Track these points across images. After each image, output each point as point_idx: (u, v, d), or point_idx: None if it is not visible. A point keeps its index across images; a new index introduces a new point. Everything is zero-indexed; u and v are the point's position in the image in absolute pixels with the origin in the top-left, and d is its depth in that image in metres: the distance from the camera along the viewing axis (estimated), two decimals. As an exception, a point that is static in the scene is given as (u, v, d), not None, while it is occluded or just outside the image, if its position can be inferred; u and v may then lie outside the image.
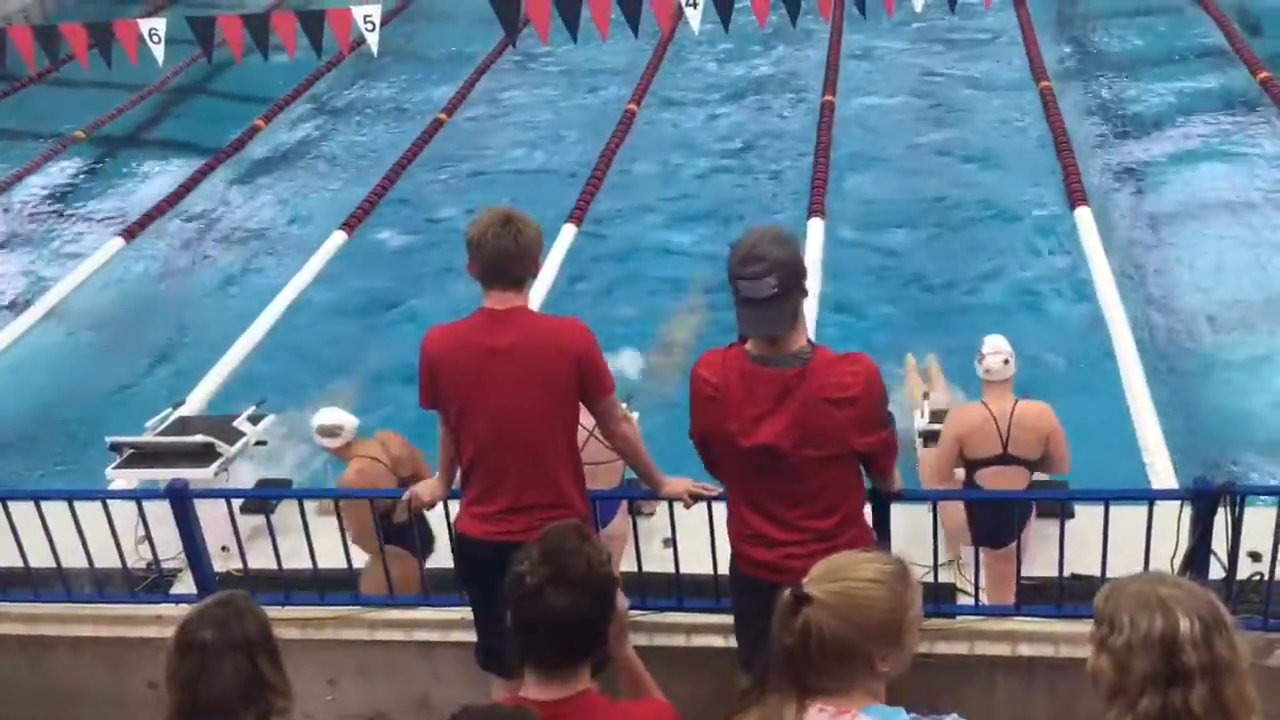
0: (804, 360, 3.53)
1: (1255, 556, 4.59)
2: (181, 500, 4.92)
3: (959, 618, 4.76)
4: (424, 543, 5.28)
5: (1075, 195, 9.97)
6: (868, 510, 4.03)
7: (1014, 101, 12.42)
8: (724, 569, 4.14)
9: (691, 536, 4.63)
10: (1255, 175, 10.53)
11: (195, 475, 6.03)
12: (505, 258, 3.92)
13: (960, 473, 5.54)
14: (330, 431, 5.71)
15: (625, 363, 8.56)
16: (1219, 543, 4.34)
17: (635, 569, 4.81)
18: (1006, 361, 5.46)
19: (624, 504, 5.33)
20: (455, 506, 4.30)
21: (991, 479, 5.43)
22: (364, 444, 5.74)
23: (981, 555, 5.11)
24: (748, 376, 3.56)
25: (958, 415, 5.55)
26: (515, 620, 2.61)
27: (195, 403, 8.02)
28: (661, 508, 4.85)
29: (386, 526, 5.19)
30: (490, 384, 3.95)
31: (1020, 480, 5.42)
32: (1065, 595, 4.61)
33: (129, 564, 5.17)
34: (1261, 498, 4.69)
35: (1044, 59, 12.91)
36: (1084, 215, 9.67)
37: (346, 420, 5.75)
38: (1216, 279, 9.05)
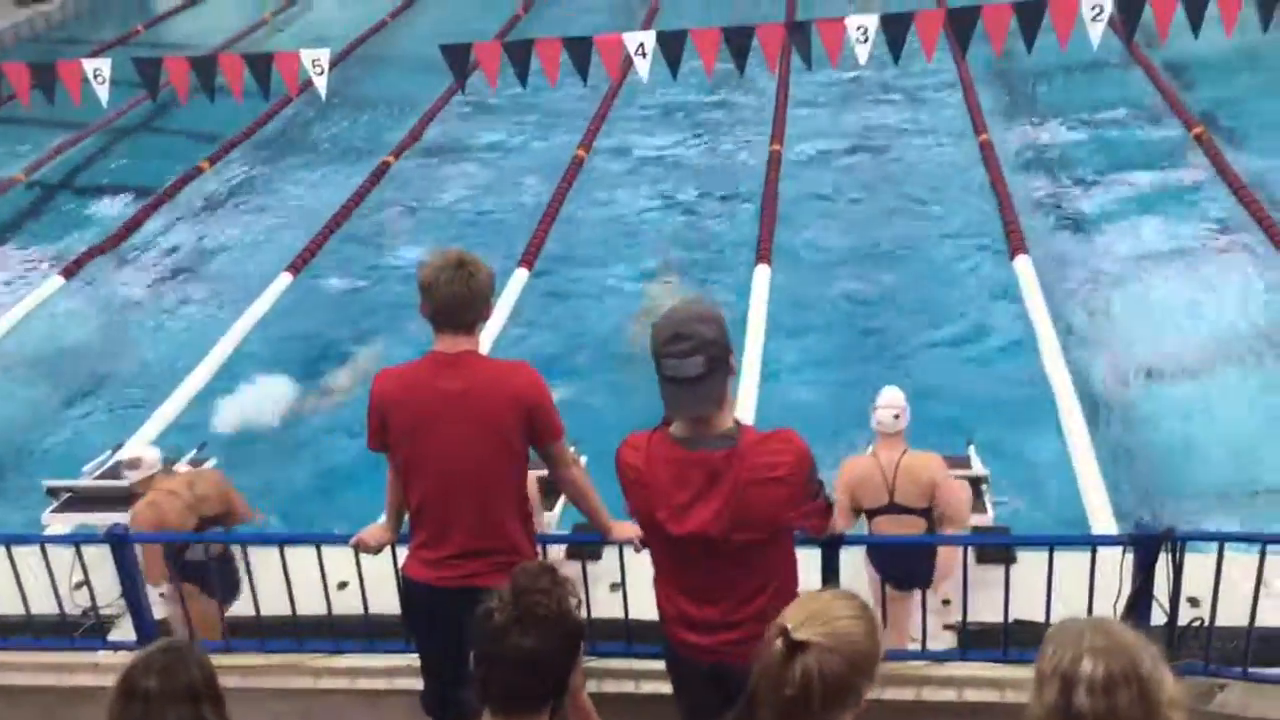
0: (732, 441, 3.40)
1: (1194, 602, 4.67)
2: (121, 545, 4.84)
3: (906, 662, 4.79)
4: (227, 588, 5.23)
5: (1015, 244, 10.15)
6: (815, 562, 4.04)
7: (955, 152, 12.65)
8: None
9: (640, 581, 4.62)
10: (1189, 225, 10.79)
11: (134, 520, 5.91)
12: (457, 302, 3.91)
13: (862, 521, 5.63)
14: (130, 464, 5.71)
15: (573, 405, 8.55)
16: (1161, 588, 4.40)
17: (584, 614, 4.77)
18: (897, 416, 5.55)
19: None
20: (402, 552, 4.26)
21: (885, 527, 5.51)
22: (166, 479, 5.70)
23: (887, 592, 5.18)
24: (674, 461, 3.42)
25: (848, 466, 5.64)
26: (479, 659, 2.57)
27: (135, 446, 7.87)
28: (610, 551, 4.84)
29: (182, 563, 5.18)
30: (440, 429, 3.93)
31: (916, 529, 5.49)
32: (1010, 640, 4.66)
33: (66, 610, 5.07)
34: (1202, 544, 4.75)
35: (983, 111, 13.17)
36: (1023, 264, 9.84)
37: (147, 454, 5.76)
38: (1153, 326, 9.23)
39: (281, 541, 5.09)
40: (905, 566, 5.42)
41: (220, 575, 5.17)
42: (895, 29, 10.02)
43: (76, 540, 5.48)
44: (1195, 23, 9.63)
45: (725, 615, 3.52)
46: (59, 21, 21.97)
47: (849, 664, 2.34)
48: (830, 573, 4.29)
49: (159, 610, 5.19)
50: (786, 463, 3.41)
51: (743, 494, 3.36)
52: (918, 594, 5.20)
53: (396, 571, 4.40)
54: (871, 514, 5.54)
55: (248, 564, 4.84)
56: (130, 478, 5.71)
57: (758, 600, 3.48)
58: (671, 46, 10.24)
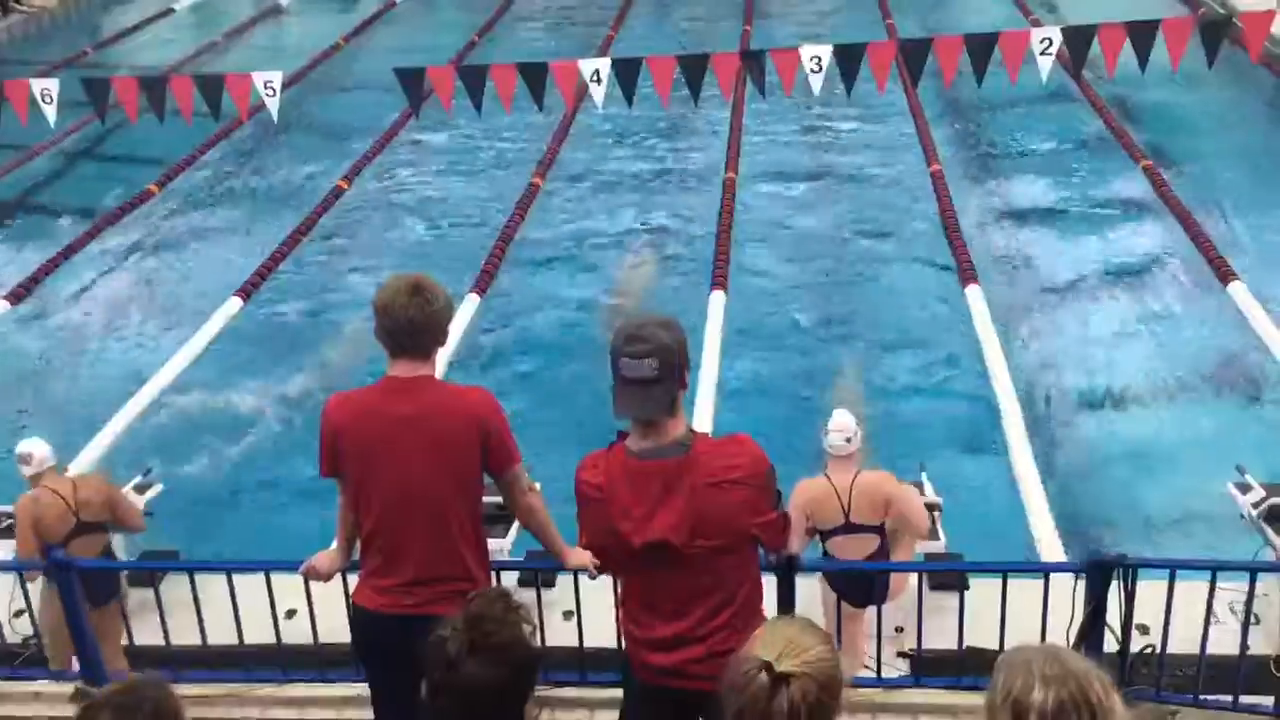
0: (686, 448, 3.44)
1: (1144, 629, 4.70)
2: (64, 572, 4.74)
3: (861, 689, 4.78)
4: (102, 592, 5.36)
5: (966, 274, 10.25)
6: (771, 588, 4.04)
7: (907, 182, 12.77)
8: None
9: (595, 609, 4.59)
10: (1137, 255, 10.97)
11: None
12: (413, 328, 3.86)
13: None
14: (21, 458, 5.87)
15: (526, 428, 8.50)
16: (1113, 615, 4.43)
17: (537, 642, 4.73)
18: (848, 440, 5.67)
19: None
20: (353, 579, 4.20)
21: (841, 546, 5.60)
22: (55, 478, 5.86)
23: (842, 609, 5.26)
24: (631, 472, 3.45)
25: (803, 488, 5.71)
26: (432, 689, 2.52)
27: (78, 471, 7.73)
28: (564, 579, 4.81)
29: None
30: (393, 454, 3.88)
31: (871, 545, 5.59)
32: (963, 667, 4.67)
33: (6, 639, 4.95)
34: (1152, 571, 4.78)
35: (935, 142, 13.31)
36: (974, 293, 9.93)
37: (37, 449, 5.90)
38: (1102, 355, 9.36)
39: (229, 568, 5.01)
40: (861, 584, 5.50)
41: (94, 580, 5.22)
42: (848, 59, 10.14)
43: (18, 567, 5.37)
44: (1142, 58, 9.82)
45: (691, 629, 3.52)
46: (6, 42, 21.69)
47: (827, 692, 2.36)
48: (787, 595, 4.28)
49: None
50: (742, 465, 3.45)
51: (700, 498, 3.40)
52: (871, 612, 5.28)
53: (347, 599, 4.33)
54: (827, 534, 5.59)
55: (195, 591, 4.74)
56: (23, 471, 5.84)
57: (722, 614, 3.51)
58: (627, 73, 10.29)
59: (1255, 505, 6.07)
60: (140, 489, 6.62)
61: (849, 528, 5.58)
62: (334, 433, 3.96)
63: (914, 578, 5.30)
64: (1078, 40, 10.08)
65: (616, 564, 3.69)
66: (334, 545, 4.33)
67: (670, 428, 3.45)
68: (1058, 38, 10.02)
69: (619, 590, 3.89)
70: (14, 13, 22.22)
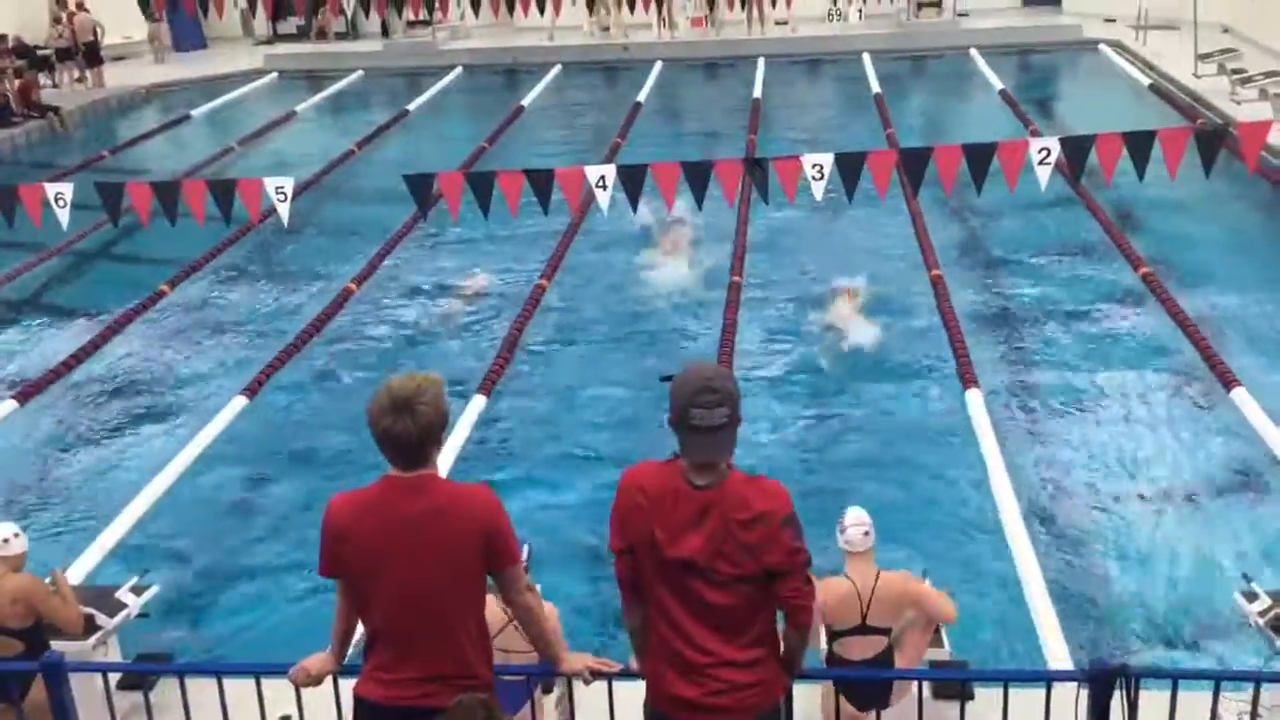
0: (722, 479, 3.81)
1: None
2: (56, 673, 4.69)
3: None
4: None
5: (966, 377, 10.27)
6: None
7: (907, 286, 12.86)
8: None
9: (590, 712, 4.52)
10: (1137, 362, 10.97)
11: (72, 647, 5.78)
12: (402, 445, 3.89)
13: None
14: None
15: (530, 530, 8.49)
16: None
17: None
18: (866, 533, 5.65)
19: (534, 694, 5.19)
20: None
21: (849, 647, 5.57)
22: None
23: (842, 707, 5.19)
24: (677, 493, 3.82)
25: (822, 587, 5.63)
26: None
27: (77, 572, 7.71)
28: (560, 682, 4.74)
29: None
30: (397, 555, 3.90)
31: (879, 646, 5.57)
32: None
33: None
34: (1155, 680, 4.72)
35: (934, 247, 13.44)
36: (974, 397, 9.94)
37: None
38: (1104, 462, 9.31)
39: (218, 672, 4.95)
40: (868, 688, 5.45)
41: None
42: (849, 167, 10.29)
43: (12, 668, 5.33)
44: (1140, 167, 9.95)
45: (708, 657, 3.86)
46: (24, 146, 22.13)
47: None
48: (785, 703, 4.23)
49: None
50: (763, 503, 3.80)
51: (725, 527, 3.77)
52: (873, 715, 5.18)
53: (338, 703, 4.27)
54: (839, 634, 5.53)
55: (184, 695, 4.68)
56: None
57: (743, 651, 3.87)
58: (632, 180, 10.45)
59: (1262, 614, 6.00)
60: (136, 590, 6.57)
61: (863, 629, 5.53)
62: (336, 535, 3.97)
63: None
64: (1076, 150, 10.22)
65: (645, 571, 3.91)
66: (328, 648, 4.30)
67: (721, 463, 3.84)
68: (1056, 148, 10.17)
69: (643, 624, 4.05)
70: (31, 119, 22.70)
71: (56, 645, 5.58)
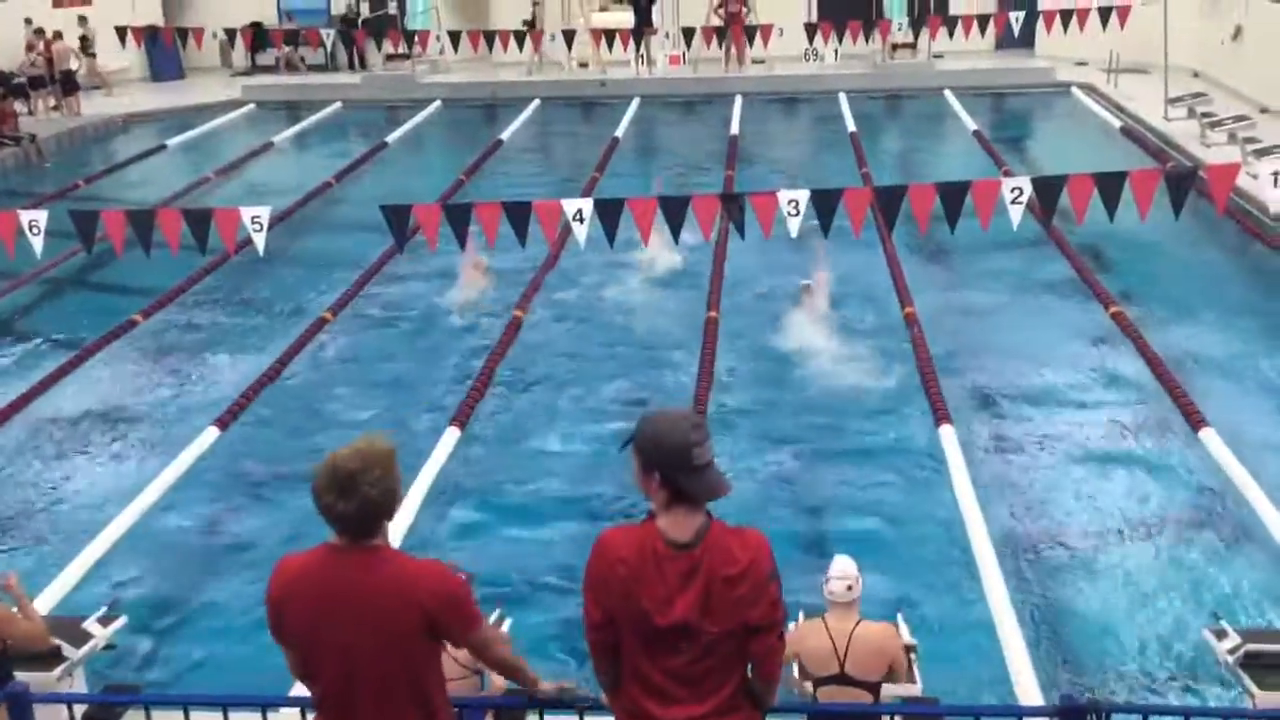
0: (703, 536, 3.74)
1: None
2: (20, 705, 4.64)
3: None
4: None
5: (939, 414, 10.33)
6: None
7: (882, 323, 12.94)
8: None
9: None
10: (1107, 400, 11.05)
11: (37, 678, 5.70)
12: (348, 522, 3.79)
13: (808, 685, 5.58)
14: None
15: (507, 556, 8.54)
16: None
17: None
18: (850, 587, 5.58)
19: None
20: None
21: (831, 696, 5.50)
22: None
23: None
24: (660, 557, 3.71)
25: (798, 633, 5.61)
26: None
27: (44, 602, 7.62)
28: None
29: None
30: (335, 631, 3.81)
31: (862, 699, 5.44)
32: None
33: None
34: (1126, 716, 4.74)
35: (908, 285, 13.53)
36: (947, 433, 9.99)
37: None
38: (1074, 499, 9.36)
39: (185, 703, 4.91)
40: None
41: None
42: (825, 204, 10.39)
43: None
44: (1110, 207, 10.09)
45: (693, 714, 3.77)
46: (-1, 174, 22.07)
47: None
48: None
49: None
50: (747, 557, 3.74)
51: (713, 585, 3.70)
52: None
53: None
54: (819, 682, 5.48)
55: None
56: None
57: (715, 700, 3.78)
58: (609, 213, 10.51)
59: (1231, 652, 6.04)
60: (104, 621, 6.50)
61: (842, 678, 5.45)
62: (279, 602, 3.91)
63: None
64: (1048, 190, 10.36)
65: (627, 640, 3.82)
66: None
67: (702, 510, 3.78)
68: (1028, 186, 10.30)
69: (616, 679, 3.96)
70: (6, 147, 22.62)
71: (21, 675, 5.50)
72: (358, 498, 3.71)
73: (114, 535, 8.92)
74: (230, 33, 28.67)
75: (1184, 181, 10.32)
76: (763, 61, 28.27)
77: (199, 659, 7.79)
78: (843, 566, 5.66)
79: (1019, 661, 6.96)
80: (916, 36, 27.77)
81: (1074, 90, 25.57)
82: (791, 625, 5.78)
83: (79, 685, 6.15)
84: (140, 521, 9.21)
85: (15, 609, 5.64)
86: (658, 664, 3.78)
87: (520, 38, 27.03)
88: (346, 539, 3.82)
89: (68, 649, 6.08)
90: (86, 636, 6.28)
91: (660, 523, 3.75)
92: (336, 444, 3.93)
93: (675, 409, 3.93)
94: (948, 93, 25.63)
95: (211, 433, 10.60)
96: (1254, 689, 5.75)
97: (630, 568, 3.72)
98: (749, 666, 3.92)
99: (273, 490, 9.97)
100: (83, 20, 27.99)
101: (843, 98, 25.22)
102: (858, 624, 5.51)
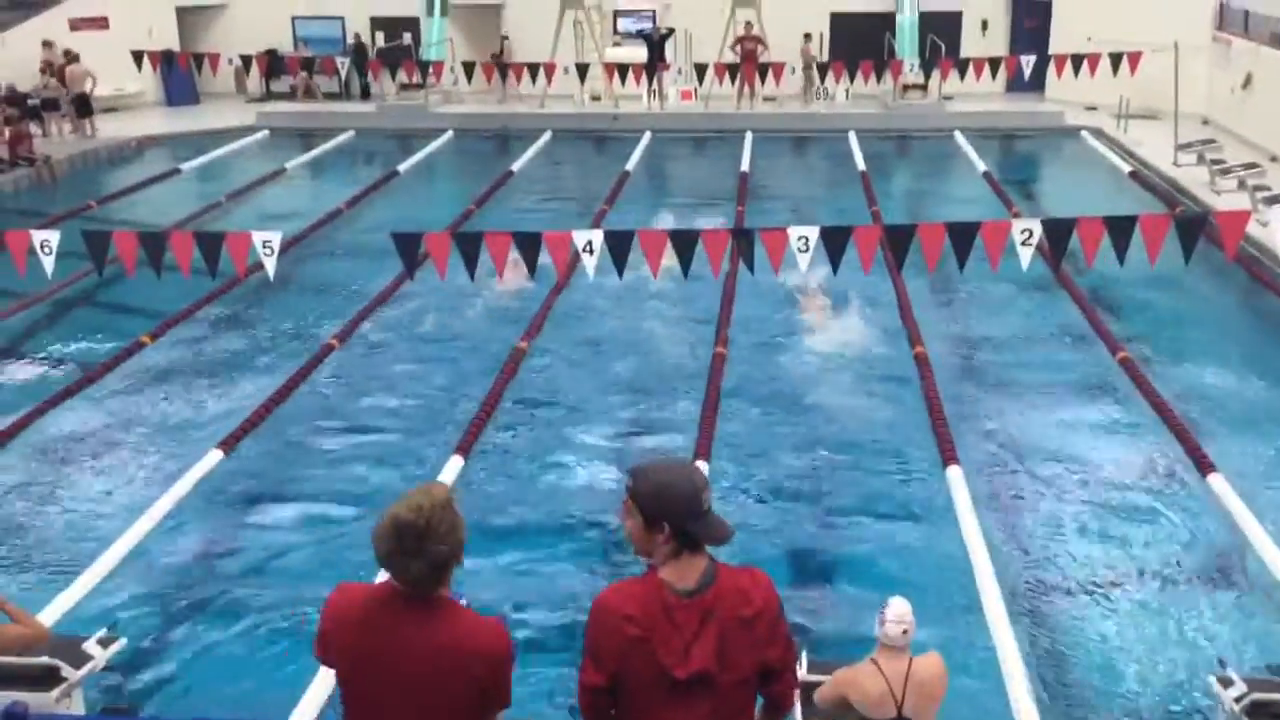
0: (711, 580, 3.69)
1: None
2: (18, 724, 4.61)
3: None
4: None
5: (947, 454, 10.30)
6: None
7: (892, 362, 12.93)
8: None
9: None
10: (1115, 445, 11.01)
11: (36, 700, 5.67)
12: (421, 583, 3.67)
13: None
14: None
15: (514, 589, 8.53)
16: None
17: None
18: (905, 632, 5.53)
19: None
20: None
21: None
22: None
23: None
24: (670, 609, 3.64)
25: (851, 678, 5.55)
26: None
27: (45, 622, 7.57)
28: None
29: None
30: (381, 674, 3.70)
31: None
32: None
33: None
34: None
35: (918, 324, 13.54)
36: (955, 473, 9.96)
37: None
38: (1082, 543, 9.31)
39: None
40: None
41: None
42: (834, 241, 10.41)
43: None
44: (1121, 252, 10.11)
45: None
46: (12, 194, 22.15)
47: None
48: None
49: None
50: (759, 597, 3.73)
51: (729, 630, 3.66)
52: None
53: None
54: None
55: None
56: None
57: None
58: (619, 245, 10.53)
59: (1237, 700, 5.99)
60: (104, 642, 6.48)
61: None
62: (327, 630, 3.81)
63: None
64: (1057, 232, 10.38)
65: (640, 696, 3.70)
66: None
67: (704, 555, 3.73)
68: (1038, 229, 10.32)
69: None
70: (20, 168, 22.74)
71: (20, 696, 5.48)
72: (428, 557, 3.58)
73: (116, 556, 8.90)
74: (246, 59, 28.91)
75: (1195, 227, 10.33)
76: (774, 99, 28.42)
77: (197, 682, 7.74)
78: (899, 611, 5.57)
79: (1024, 705, 6.92)
80: (928, 78, 27.92)
81: (1084, 134, 25.67)
82: (842, 671, 5.74)
83: (78, 706, 6.12)
84: (143, 543, 9.20)
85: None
86: (670, 716, 3.67)
87: (503, 69, 27.62)
88: (412, 593, 3.69)
89: (67, 669, 6.06)
90: (86, 657, 6.27)
91: (663, 574, 3.68)
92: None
93: (665, 458, 3.91)
94: (958, 134, 25.73)
95: (215, 456, 10.59)
96: (1261, 738, 5.70)
97: (640, 625, 3.61)
98: (759, 708, 3.89)
99: (276, 515, 9.94)
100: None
101: (853, 137, 25.34)
102: (910, 662, 5.48)
